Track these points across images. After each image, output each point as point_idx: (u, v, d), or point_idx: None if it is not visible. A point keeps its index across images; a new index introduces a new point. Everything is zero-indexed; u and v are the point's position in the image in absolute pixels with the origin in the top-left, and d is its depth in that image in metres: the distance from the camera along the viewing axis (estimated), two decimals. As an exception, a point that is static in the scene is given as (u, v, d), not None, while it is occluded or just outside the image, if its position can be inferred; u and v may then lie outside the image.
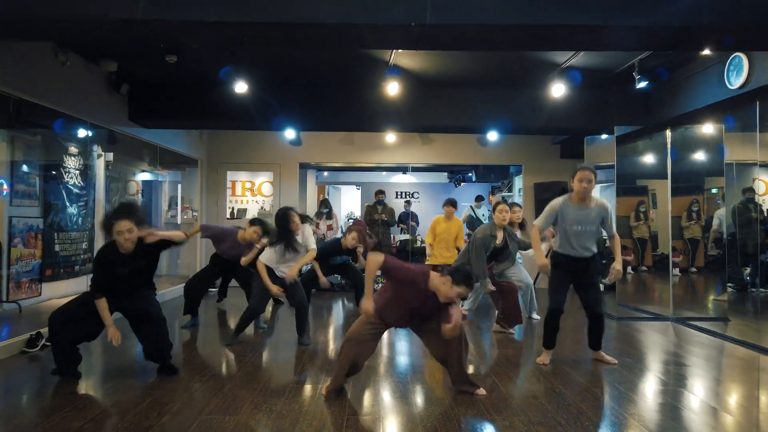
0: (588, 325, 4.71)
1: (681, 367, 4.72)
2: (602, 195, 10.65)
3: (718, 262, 8.14)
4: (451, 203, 7.50)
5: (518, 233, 6.24)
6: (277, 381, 4.10)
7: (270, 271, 5.21)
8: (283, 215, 5.17)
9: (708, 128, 7.01)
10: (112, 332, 4.05)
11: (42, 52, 5.47)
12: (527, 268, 6.65)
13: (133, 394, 3.76)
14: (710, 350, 5.31)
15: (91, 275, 4.14)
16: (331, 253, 6.67)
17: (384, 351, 5.09)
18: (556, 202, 4.53)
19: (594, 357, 4.77)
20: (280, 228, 5.18)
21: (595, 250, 4.54)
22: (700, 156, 7.42)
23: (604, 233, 4.65)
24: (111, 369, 4.51)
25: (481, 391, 3.79)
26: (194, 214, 10.36)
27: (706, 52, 4.81)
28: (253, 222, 6.07)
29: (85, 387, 4.01)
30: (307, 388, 3.93)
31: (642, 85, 6.05)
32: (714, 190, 8.48)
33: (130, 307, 4.21)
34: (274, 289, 5.14)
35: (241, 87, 6.57)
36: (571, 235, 4.47)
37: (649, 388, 4.08)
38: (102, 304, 4.02)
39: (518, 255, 6.51)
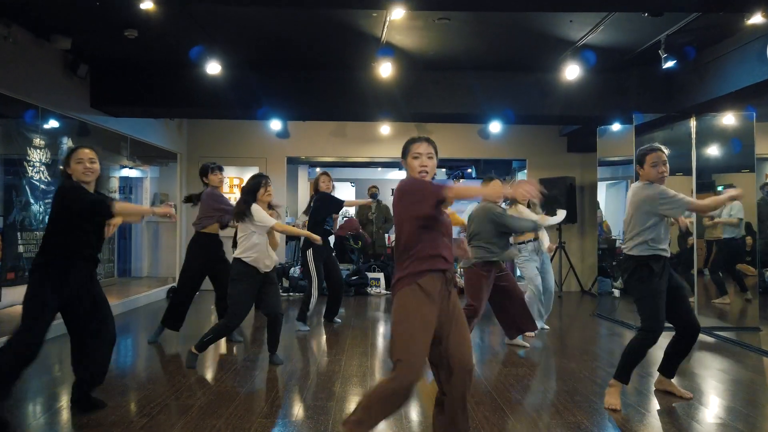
0: (678, 345, 3.80)
1: (717, 390, 4.03)
2: (608, 193, 9.98)
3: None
4: None
5: (521, 212, 5.52)
6: (243, 413, 3.38)
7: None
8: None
9: (736, 117, 6.31)
10: (164, 209, 3.48)
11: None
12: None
13: (66, 431, 3.06)
14: (745, 367, 4.62)
15: (82, 202, 3.23)
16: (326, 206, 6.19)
17: (377, 371, 4.38)
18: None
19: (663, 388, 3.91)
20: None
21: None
22: (726, 148, 6.70)
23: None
24: (33, 397, 3.76)
25: None
26: (177, 211, 9.68)
27: (752, 21, 4.09)
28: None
29: (12, 421, 3.28)
30: (279, 424, 3.22)
31: (669, 64, 5.32)
32: (720, 188, 7.84)
33: (82, 307, 3.36)
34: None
35: (213, 68, 5.80)
36: (666, 227, 3.62)
37: (689, 421, 3.38)
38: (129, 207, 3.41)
39: (543, 250, 5.75)
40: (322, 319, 6.41)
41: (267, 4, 4.30)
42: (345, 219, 11.49)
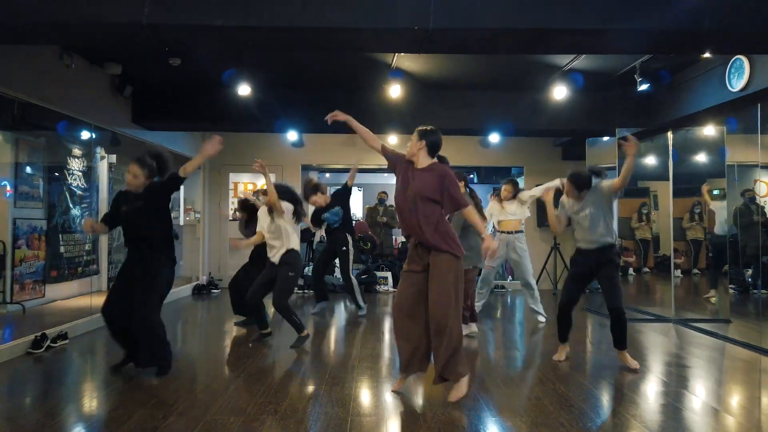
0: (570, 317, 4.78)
1: (683, 368, 4.73)
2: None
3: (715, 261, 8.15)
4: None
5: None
6: (281, 383, 4.12)
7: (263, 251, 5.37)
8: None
9: (709, 130, 7.03)
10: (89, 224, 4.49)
11: (47, 55, 5.50)
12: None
13: (138, 395, 3.79)
14: (712, 352, 5.33)
15: None
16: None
17: (386, 352, 5.11)
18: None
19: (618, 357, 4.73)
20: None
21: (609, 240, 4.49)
22: (701, 158, 7.44)
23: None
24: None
25: (458, 392, 3.67)
26: (197, 215, 10.38)
27: (707, 55, 4.83)
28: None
29: (89, 388, 4.04)
30: (311, 390, 3.96)
31: (643, 87, 6.08)
32: (716, 192, 8.51)
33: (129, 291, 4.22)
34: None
35: (244, 89, 6.60)
36: (577, 225, 4.57)
37: (651, 390, 4.10)
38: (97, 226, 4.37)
39: (524, 249, 6.54)
40: (340, 313, 7.13)
41: (302, 49, 5.05)
42: (355, 222, 12.21)
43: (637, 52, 5.16)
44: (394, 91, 6.68)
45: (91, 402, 3.76)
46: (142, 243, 4.20)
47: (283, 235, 5.16)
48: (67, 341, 5.30)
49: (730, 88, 5.46)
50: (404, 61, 6.16)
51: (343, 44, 4.06)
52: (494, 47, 4.13)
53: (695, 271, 8.90)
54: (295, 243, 5.23)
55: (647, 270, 8.72)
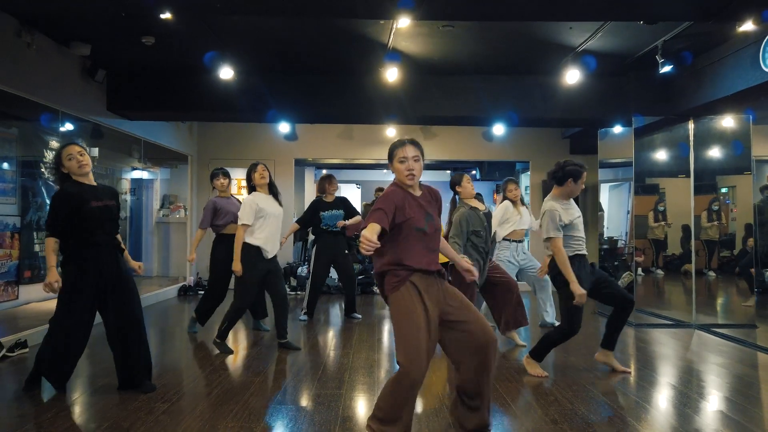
0: (616, 319, 4.28)
1: (717, 385, 4.19)
2: (611, 193, 10.13)
3: (731, 264, 7.61)
4: None
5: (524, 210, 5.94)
6: (257, 402, 3.57)
7: (257, 251, 4.77)
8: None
9: (734, 119, 6.46)
10: (52, 277, 3.45)
11: (2, 31, 4.94)
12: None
13: (89, 415, 3.26)
14: (742, 363, 4.78)
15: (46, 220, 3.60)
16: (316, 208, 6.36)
17: (384, 362, 4.57)
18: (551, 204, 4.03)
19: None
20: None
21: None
22: (722, 151, 6.86)
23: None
24: (70, 383, 3.97)
25: None
26: (187, 213, 9.89)
27: (746, 27, 4.27)
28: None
29: (35, 408, 3.48)
30: (292, 409, 3.42)
31: (666, 69, 5.51)
32: (724, 190, 7.97)
33: (114, 298, 3.67)
34: (238, 266, 4.68)
35: (226, 73, 6.03)
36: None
37: (688, 412, 3.55)
38: (51, 244, 3.50)
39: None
40: (330, 315, 6.60)
41: (278, 14, 4.51)
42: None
43: (670, 19, 4.55)
44: (391, 74, 6.12)
45: (35, 425, 3.22)
46: (114, 244, 3.69)
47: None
48: (26, 350, 4.77)
49: (765, 68, 4.89)
50: (401, 41, 5.60)
51: (323, 8, 3.51)
52: (503, 12, 3.57)
53: (710, 273, 8.35)
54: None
55: (660, 272, 8.18)
